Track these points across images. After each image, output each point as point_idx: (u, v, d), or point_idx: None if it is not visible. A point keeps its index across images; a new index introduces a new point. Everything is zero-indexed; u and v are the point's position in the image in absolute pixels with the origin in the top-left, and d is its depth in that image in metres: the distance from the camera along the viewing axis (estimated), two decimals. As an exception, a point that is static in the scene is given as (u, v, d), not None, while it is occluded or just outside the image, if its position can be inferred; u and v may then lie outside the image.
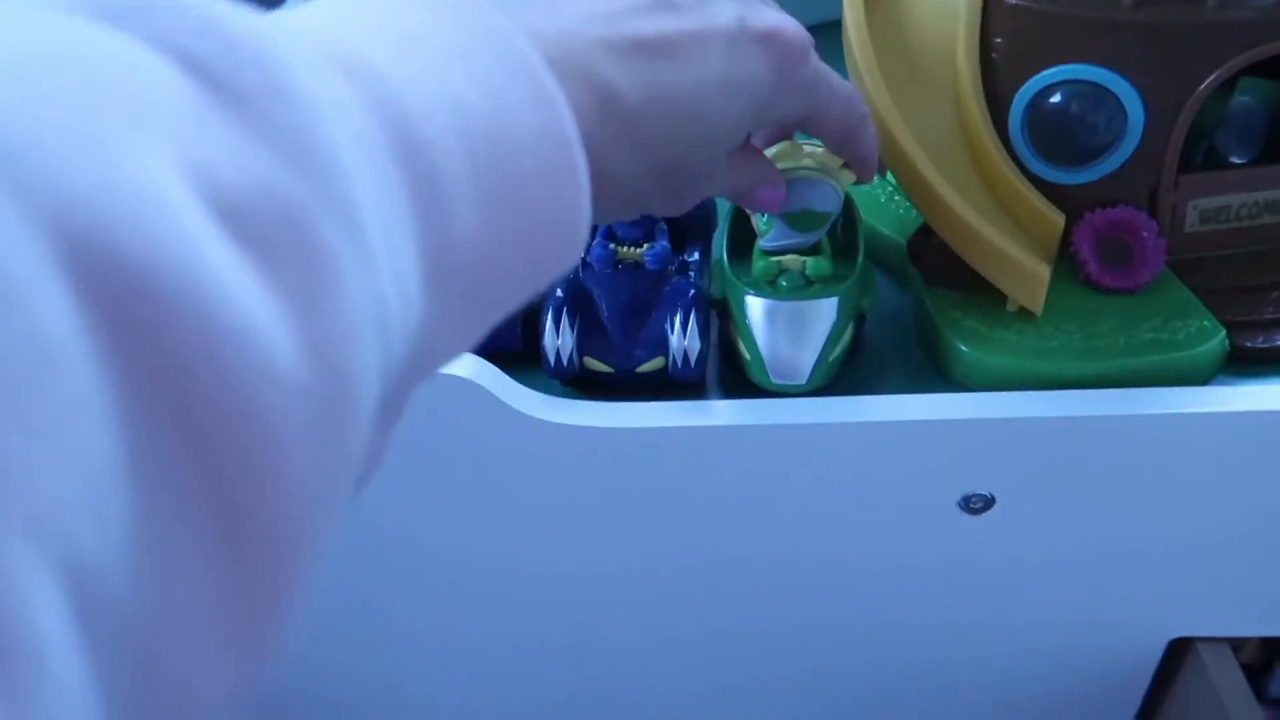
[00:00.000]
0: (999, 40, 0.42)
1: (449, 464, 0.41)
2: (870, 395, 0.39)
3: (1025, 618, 0.46)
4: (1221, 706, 0.44)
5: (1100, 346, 0.41)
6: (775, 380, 0.39)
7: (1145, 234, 0.42)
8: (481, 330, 0.22)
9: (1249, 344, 0.41)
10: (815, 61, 0.31)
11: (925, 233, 0.44)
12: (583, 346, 0.40)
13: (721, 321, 0.42)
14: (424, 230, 0.18)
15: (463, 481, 0.42)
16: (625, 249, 0.41)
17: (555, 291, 0.40)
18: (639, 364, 0.40)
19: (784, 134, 0.39)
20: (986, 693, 0.51)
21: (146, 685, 0.13)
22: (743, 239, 0.42)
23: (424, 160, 0.18)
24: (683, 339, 0.39)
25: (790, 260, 0.39)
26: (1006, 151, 0.42)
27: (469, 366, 0.38)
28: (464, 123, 0.19)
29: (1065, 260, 0.43)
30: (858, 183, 0.38)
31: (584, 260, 0.41)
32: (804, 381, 0.38)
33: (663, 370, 0.40)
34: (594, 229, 0.41)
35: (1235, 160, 0.46)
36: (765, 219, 0.39)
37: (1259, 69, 0.42)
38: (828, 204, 0.38)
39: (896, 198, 0.50)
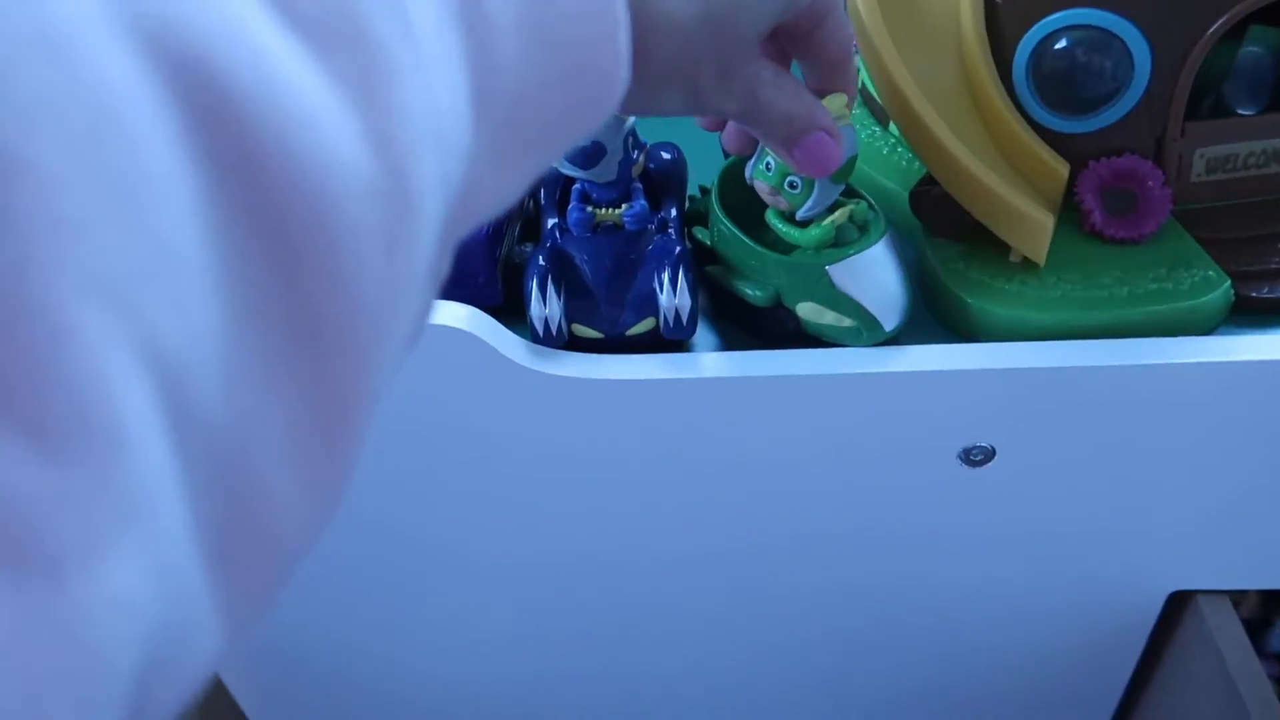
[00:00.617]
0: (1004, -15, 0.41)
1: (443, 413, 0.41)
2: (871, 347, 0.39)
3: (1024, 571, 0.46)
4: (1220, 658, 0.44)
5: (1104, 297, 0.40)
6: (890, 327, 0.38)
7: (1151, 183, 0.41)
8: (520, 180, 0.21)
9: (1254, 294, 0.41)
10: None
11: (927, 183, 0.43)
12: (570, 313, 0.39)
13: (714, 286, 0.41)
14: (472, 51, 0.18)
15: (455, 430, 0.41)
16: (604, 211, 0.40)
17: (538, 259, 0.39)
18: (628, 328, 0.40)
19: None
20: (985, 647, 0.52)
21: (232, 511, 0.13)
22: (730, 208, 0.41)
23: None
24: (673, 297, 0.38)
25: (840, 214, 0.38)
26: (1011, 100, 0.42)
27: (464, 317, 0.38)
28: None
29: (1069, 210, 0.42)
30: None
31: (562, 226, 0.41)
32: (907, 317, 0.38)
33: (653, 331, 0.40)
34: (570, 193, 0.40)
35: (1243, 113, 0.46)
36: (799, 189, 0.37)
37: (1268, 17, 0.41)
38: (855, 146, 0.36)
39: (899, 149, 0.49)
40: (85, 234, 0.11)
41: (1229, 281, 0.40)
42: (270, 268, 0.13)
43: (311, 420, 0.14)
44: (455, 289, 0.40)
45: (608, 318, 0.39)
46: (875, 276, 0.37)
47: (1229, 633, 0.44)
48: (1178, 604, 0.48)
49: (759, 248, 0.38)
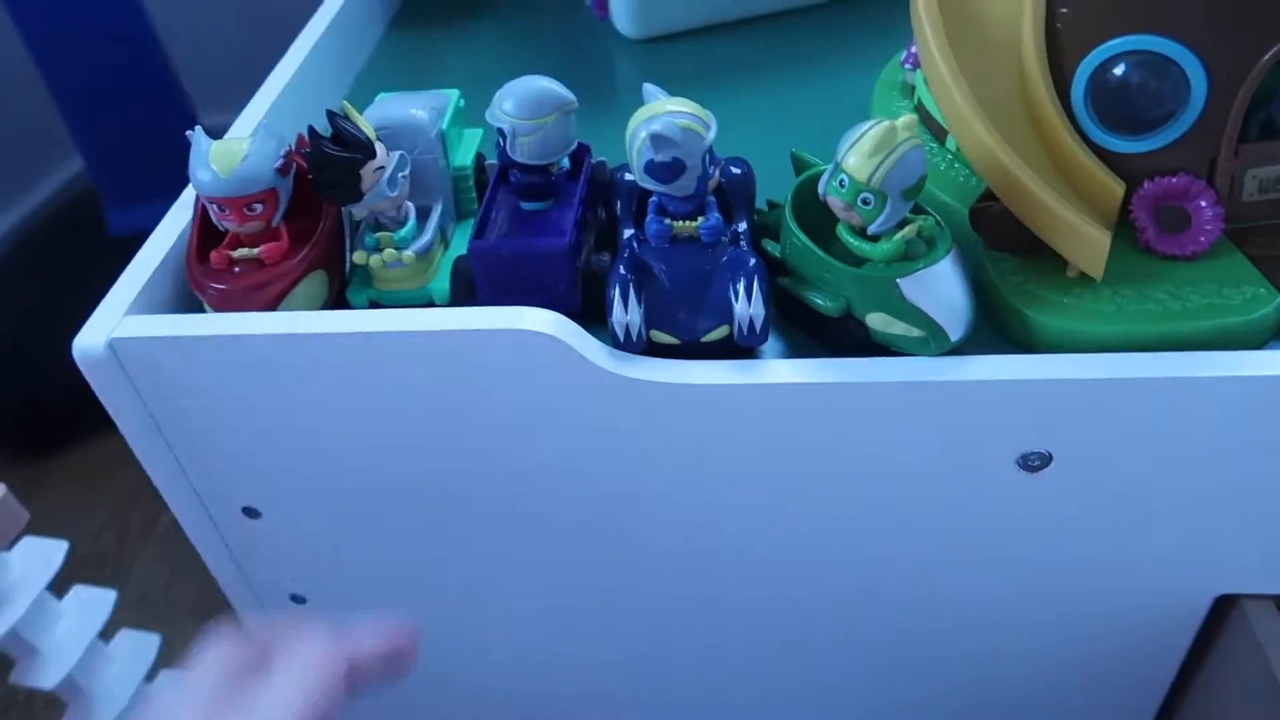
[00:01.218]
0: (1064, 10, 0.43)
1: (526, 413, 0.43)
2: (936, 356, 0.41)
3: (1074, 574, 0.48)
4: (1265, 662, 0.45)
5: (1157, 311, 0.42)
6: (955, 338, 0.40)
7: (1203, 202, 0.43)
8: None
9: (1304, 310, 0.42)
10: None
11: (985, 199, 0.45)
12: (650, 320, 0.42)
13: (784, 296, 0.43)
14: None
15: (537, 429, 0.44)
16: (680, 223, 0.42)
17: (619, 268, 0.42)
18: (704, 334, 0.42)
19: None
20: (1026, 649, 0.53)
21: None
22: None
23: None
24: (748, 306, 0.41)
25: (909, 229, 0.40)
26: (1069, 119, 0.43)
27: (550, 322, 0.40)
28: None
29: (1123, 226, 0.44)
30: None
31: (640, 237, 0.43)
32: (972, 328, 0.40)
33: (726, 338, 0.42)
34: (647, 205, 0.42)
35: (1292, 131, 0.47)
36: (872, 205, 0.39)
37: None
38: (925, 166, 0.39)
39: (956, 165, 0.51)
40: None
41: (1279, 297, 0.42)
42: None
43: None
44: (537, 295, 0.42)
45: (685, 324, 0.41)
46: (943, 289, 0.39)
47: (1275, 637, 0.46)
48: (1223, 608, 0.49)
49: (833, 260, 0.40)
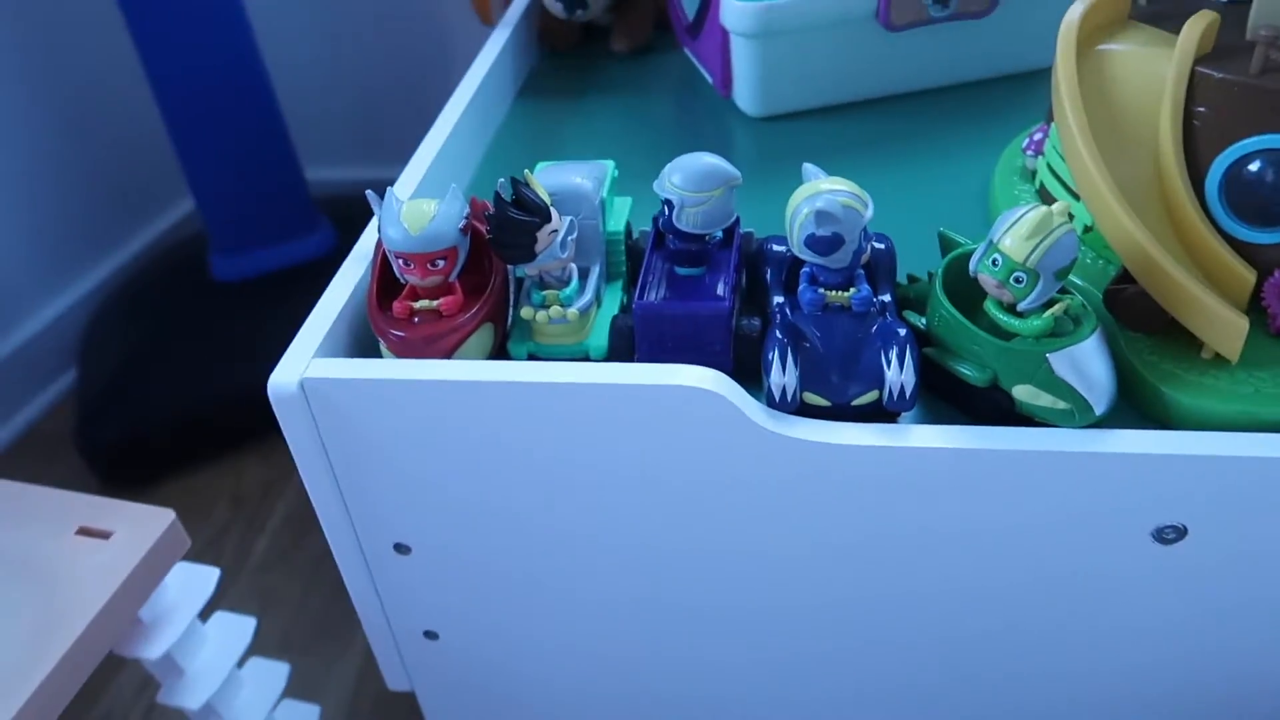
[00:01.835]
0: (1202, 109, 0.46)
1: (683, 466, 0.46)
2: (1079, 428, 0.43)
3: (1204, 650, 0.49)
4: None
5: (1290, 394, 0.44)
6: (1100, 411, 0.42)
7: (1334, 292, 0.45)
8: None
9: None
10: None
11: (1119, 282, 0.47)
12: (804, 382, 0.44)
13: (930, 365, 0.46)
14: None
15: (693, 482, 0.46)
16: (834, 293, 0.45)
17: (775, 333, 0.44)
18: (855, 397, 0.44)
19: None
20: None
21: None
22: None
23: None
24: (899, 373, 0.43)
25: (1059, 307, 0.42)
26: (1202, 210, 0.46)
27: (710, 379, 0.43)
28: None
29: (1255, 312, 0.46)
30: None
31: (792, 304, 0.45)
32: (1115, 403, 0.43)
33: (875, 402, 0.44)
34: (799, 276, 0.45)
35: None
36: (1024, 284, 0.41)
37: None
38: (1077, 249, 0.41)
39: (1083, 248, 0.53)
40: None
41: None
42: None
43: None
44: (692, 355, 0.45)
45: (837, 388, 0.44)
46: (1089, 365, 0.41)
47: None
48: (1345, 690, 0.50)
49: (983, 334, 0.43)
